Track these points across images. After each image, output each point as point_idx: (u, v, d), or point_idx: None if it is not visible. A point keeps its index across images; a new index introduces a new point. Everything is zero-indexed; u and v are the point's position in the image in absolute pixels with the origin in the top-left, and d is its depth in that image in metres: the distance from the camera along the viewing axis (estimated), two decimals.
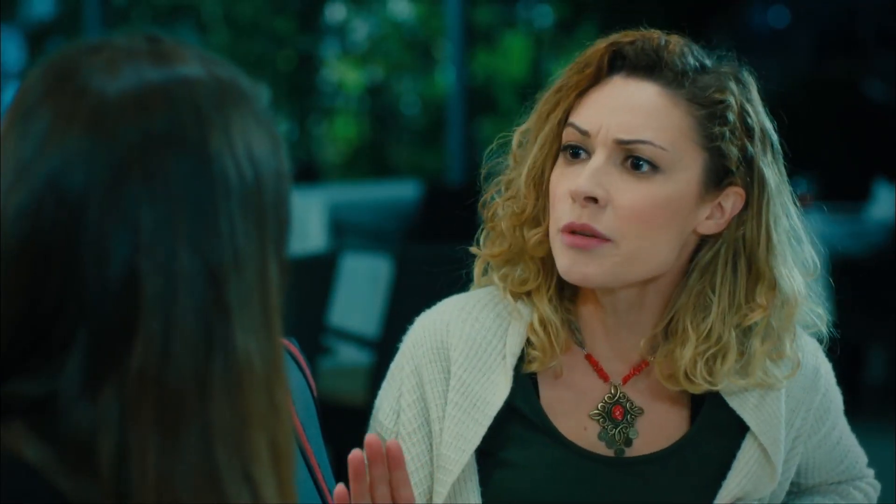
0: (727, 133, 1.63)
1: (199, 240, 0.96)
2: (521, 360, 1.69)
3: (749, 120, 1.65)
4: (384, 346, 4.29)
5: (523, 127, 1.73)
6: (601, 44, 1.67)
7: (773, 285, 1.65)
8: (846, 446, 1.81)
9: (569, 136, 1.66)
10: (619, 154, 1.63)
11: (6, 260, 0.95)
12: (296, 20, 13.13)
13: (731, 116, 1.64)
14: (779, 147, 1.69)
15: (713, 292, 1.65)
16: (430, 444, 1.69)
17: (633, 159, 1.62)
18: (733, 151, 1.64)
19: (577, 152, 1.65)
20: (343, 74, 13.41)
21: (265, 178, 1.00)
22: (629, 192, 1.61)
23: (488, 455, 1.68)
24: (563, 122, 1.68)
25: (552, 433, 1.68)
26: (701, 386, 1.66)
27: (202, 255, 0.96)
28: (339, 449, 4.49)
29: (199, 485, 0.94)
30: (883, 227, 6.95)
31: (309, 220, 7.00)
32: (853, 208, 7.63)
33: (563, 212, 1.64)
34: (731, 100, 1.64)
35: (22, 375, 0.95)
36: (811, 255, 1.71)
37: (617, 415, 1.70)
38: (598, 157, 1.63)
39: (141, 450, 0.93)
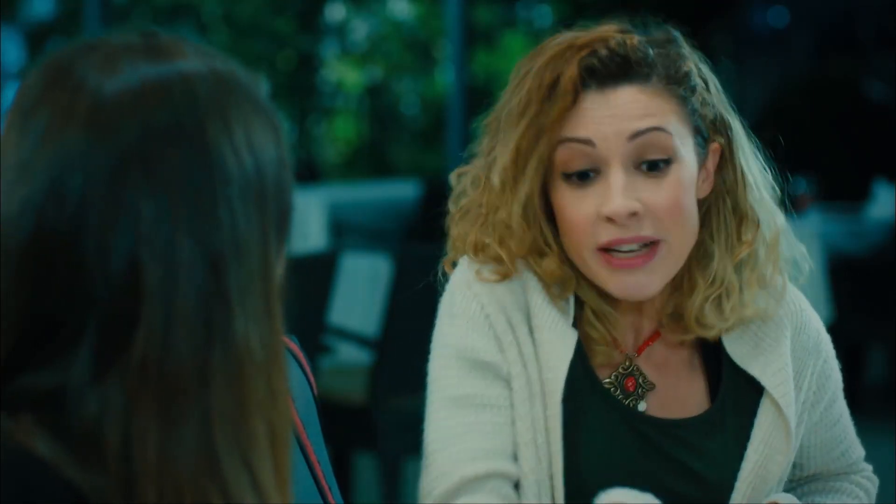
0: (702, 98, 1.67)
1: (199, 228, 0.97)
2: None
3: (702, 73, 1.69)
4: (384, 345, 4.29)
5: (490, 159, 1.69)
6: (571, 64, 1.64)
7: (756, 221, 1.69)
8: (844, 427, 1.82)
9: (569, 156, 1.64)
10: (632, 158, 1.63)
11: (11, 257, 0.96)
12: (296, 20, 13.14)
13: (696, 80, 1.67)
14: (719, 85, 1.72)
15: (712, 240, 1.69)
16: (525, 368, 1.66)
17: (648, 164, 1.63)
18: (708, 112, 1.68)
19: (585, 174, 1.64)
20: (343, 74, 13.42)
21: (265, 166, 1.01)
22: (659, 194, 1.63)
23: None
24: (548, 155, 1.64)
25: (597, 387, 1.69)
26: (713, 329, 1.69)
27: (202, 243, 0.97)
28: (338, 447, 4.50)
29: (198, 470, 0.96)
30: (882, 227, 6.95)
31: (309, 219, 6.99)
32: (853, 208, 7.64)
33: (594, 234, 1.63)
34: (692, 66, 1.68)
35: (32, 369, 0.96)
36: (772, 185, 1.74)
37: (629, 386, 1.71)
38: (617, 172, 1.62)
39: (142, 436, 0.94)
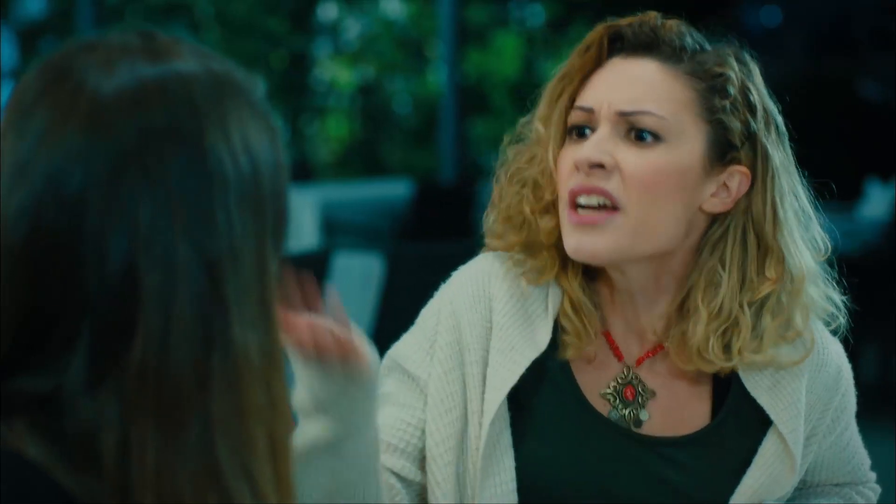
0: (728, 106, 1.64)
1: (197, 233, 0.96)
2: (556, 333, 1.69)
3: (751, 97, 1.66)
4: (376, 344, 4.28)
5: (528, 118, 1.74)
6: (601, 27, 1.69)
7: (782, 259, 1.65)
8: (854, 448, 1.82)
9: (574, 117, 1.68)
10: (623, 126, 1.64)
11: (7, 258, 0.96)
12: (288, 19, 13.14)
13: (732, 90, 1.65)
14: (784, 129, 1.70)
15: (723, 268, 1.66)
16: (464, 386, 1.68)
17: (637, 130, 1.63)
18: (735, 125, 1.65)
19: (582, 131, 1.67)
20: (335, 74, 13.43)
21: (262, 170, 1.00)
22: (634, 159, 1.62)
23: (521, 417, 1.68)
24: (570, 107, 1.69)
25: (583, 403, 1.69)
26: (715, 364, 1.66)
27: (200, 248, 0.96)
28: None
29: (199, 480, 0.94)
30: (875, 226, 6.96)
31: (301, 218, 7.00)
32: (846, 207, 7.64)
33: (568, 183, 1.65)
34: (732, 74, 1.65)
35: (25, 373, 0.95)
36: (820, 235, 1.72)
37: (628, 395, 1.70)
38: (603, 129, 1.64)
39: (140, 444, 0.93)
